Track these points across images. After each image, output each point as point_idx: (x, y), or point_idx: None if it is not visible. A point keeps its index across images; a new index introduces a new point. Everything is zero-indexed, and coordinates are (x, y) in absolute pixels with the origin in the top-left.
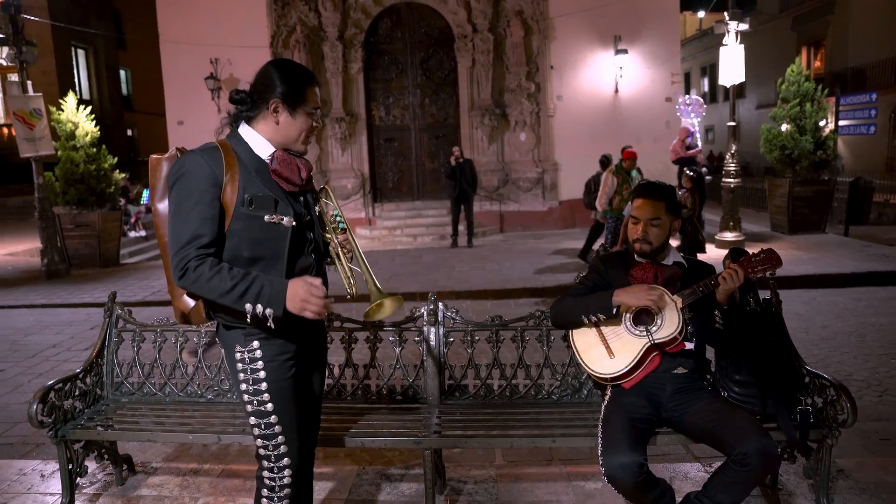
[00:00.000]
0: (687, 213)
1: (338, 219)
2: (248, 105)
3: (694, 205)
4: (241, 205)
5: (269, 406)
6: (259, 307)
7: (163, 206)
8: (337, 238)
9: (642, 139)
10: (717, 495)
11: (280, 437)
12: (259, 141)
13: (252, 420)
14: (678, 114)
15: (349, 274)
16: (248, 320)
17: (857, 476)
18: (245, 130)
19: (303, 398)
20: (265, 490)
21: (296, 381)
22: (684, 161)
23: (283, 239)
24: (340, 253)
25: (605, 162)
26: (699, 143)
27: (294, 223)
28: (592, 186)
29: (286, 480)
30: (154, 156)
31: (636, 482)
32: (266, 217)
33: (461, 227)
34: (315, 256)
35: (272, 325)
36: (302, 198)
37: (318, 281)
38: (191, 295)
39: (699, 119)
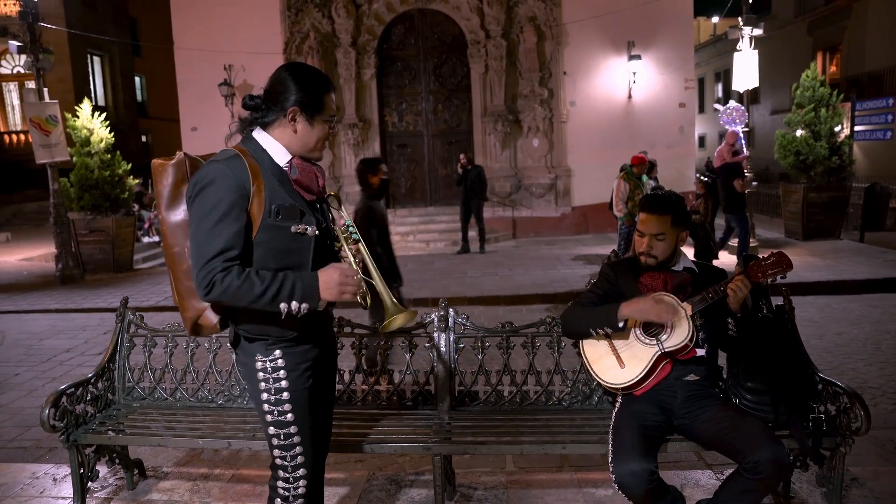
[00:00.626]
0: (699, 218)
1: (350, 229)
2: (262, 111)
3: (707, 210)
4: (268, 216)
5: (290, 416)
6: (294, 304)
7: (172, 214)
8: (349, 248)
9: (656, 145)
10: (728, 503)
11: (298, 447)
12: (277, 148)
13: (271, 430)
14: (721, 122)
15: (362, 286)
16: (282, 318)
17: (871, 485)
18: (262, 137)
19: (318, 407)
20: (279, 500)
21: (313, 391)
22: (730, 167)
23: (307, 249)
24: (353, 263)
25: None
26: (744, 150)
27: (317, 232)
28: None
29: (301, 490)
30: (157, 160)
31: (647, 489)
32: (293, 228)
33: (472, 234)
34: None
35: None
36: (319, 205)
37: (344, 264)
38: (216, 308)
39: (743, 126)
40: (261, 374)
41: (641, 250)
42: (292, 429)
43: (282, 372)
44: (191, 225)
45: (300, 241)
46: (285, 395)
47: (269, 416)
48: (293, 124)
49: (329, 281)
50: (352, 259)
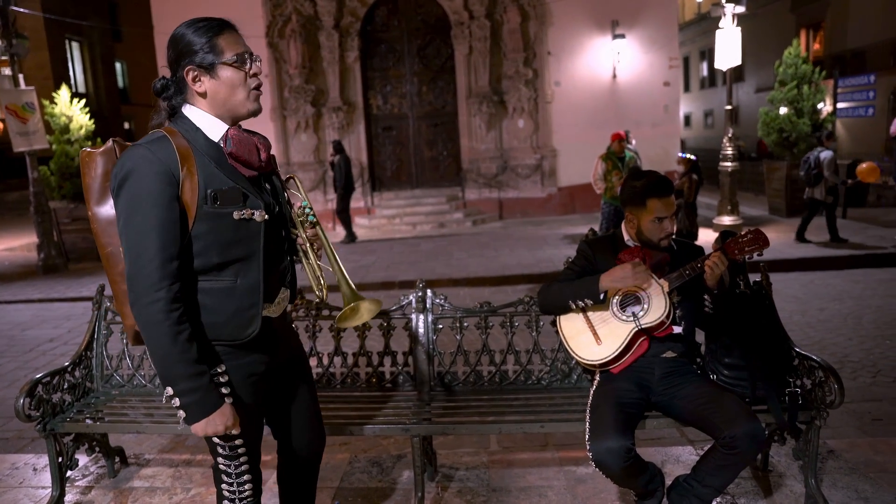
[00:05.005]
0: (681, 201)
1: (307, 211)
2: (172, 88)
3: (690, 191)
4: (203, 202)
5: (236, 430)
6: (176, 402)
7: (101, 209)
8: (306, 233)
9: (641, 124)
10: (706, 478)
11: (244, 457)
12: (209, 121)
13: (216, 440)
14: None
15: (319, 273)
16: (166, 395)
17: (847, 456)
18: (191, 111)
19: (279, 410)
20: (226, 502)
21: (268, 398)
22: None
23: (256, 237)
24: (309, 250)
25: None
26: None
27: (266, 217)
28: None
29: (247, 493)
30: (85, 150)
31: (623, 466)
32: (235, 214)
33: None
34: (290, 256)
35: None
36: (268, 185)
37: (227, 424)
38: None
39: None
40: None
41: (668, 232)
42: (237, 441)
43: (224, 388)
44: (118, 221)
45: (246, 228)
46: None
47: None
48: (197, 85)
49: (213, 424)
50: (309, 247)
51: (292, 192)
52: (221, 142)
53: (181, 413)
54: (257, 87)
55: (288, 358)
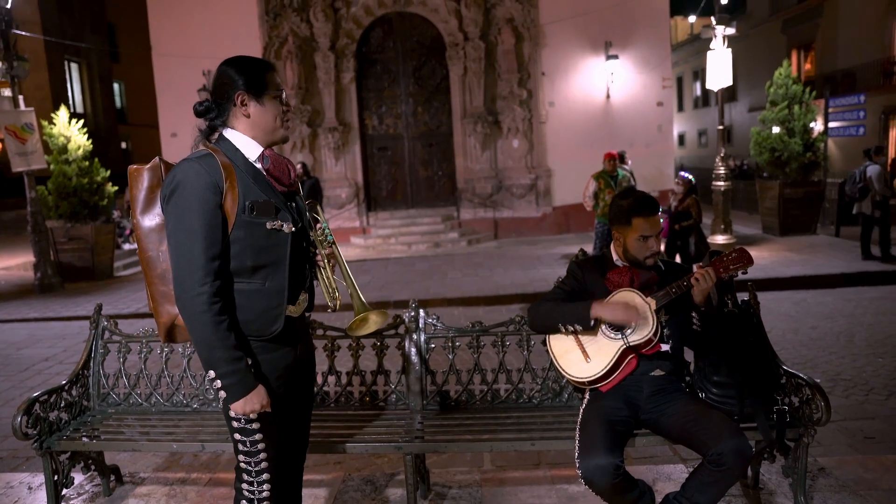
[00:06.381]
0: (692, 221)
1: (326, 231)
2: (215, 111)
3: (698, 212)
4: (241, 212)
5: (256, 425)
6: (218, 384)
7: (146, 219)
8: (324, 251)
9: (635, 144)
10: (695, 495)
11: (263, 454)
12: (247, 142)
13: (237, 436)
14: None
15: (333, 286)
16: (208, 377)
17: (837, 473)
18: (231, 134)
19: (291, 413)
20: (244, 502)
21: (285, 398)
22: None
23: (283, 246)
24: (326, 265)
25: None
26: None
27: (293, 229)
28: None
29: (265, 493)
30: (133, 166)
31: (613, 483)
32: (268, 224)
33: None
34: (309, 265)
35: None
36: (294, 204)
37: (262, 402)
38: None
39: None
40: None
41: (654, 251)
42: (257, 436)
43: None
44: (168, 224)
45: (276, 237)
46: None
47: (235, 422)
48: (245, 109)
49: (251, 402)
50: (325, 263)
51: (313, 216)
52: (258, 161)
53: (222, 394)
54: (286, 119)
55: (305, 352)
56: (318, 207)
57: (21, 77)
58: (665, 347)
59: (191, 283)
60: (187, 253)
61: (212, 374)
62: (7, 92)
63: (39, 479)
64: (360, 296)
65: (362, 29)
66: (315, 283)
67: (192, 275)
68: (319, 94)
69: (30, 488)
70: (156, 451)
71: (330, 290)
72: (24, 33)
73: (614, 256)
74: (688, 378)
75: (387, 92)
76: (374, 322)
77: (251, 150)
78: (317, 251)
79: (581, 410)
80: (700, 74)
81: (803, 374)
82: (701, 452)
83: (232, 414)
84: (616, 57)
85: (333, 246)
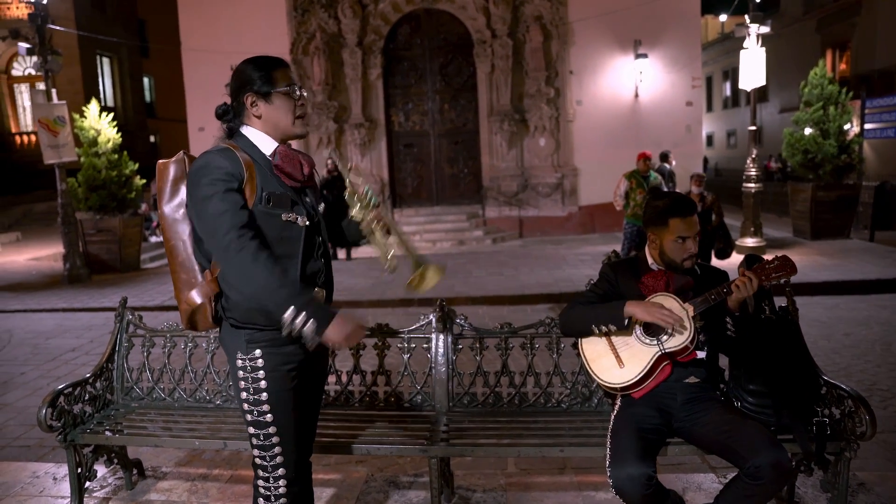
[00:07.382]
0: (717, 220)
1: (369, 194)
2: (231, 113)
3: (720, 210)
4: (259, 202)
5: (269, 417)
6: (302, 316)
7: (170, 209)
8: (369, 215)
9: (663, 144)
10: None
11: (277, 447)
12: (263, 139)
13: (251, 430)
14: None
15: (385, 249)
16: (282, 327)
17: (878, 490)
18: (248, 131)
19: (303, 408)
20: (261, 499)
21: (297, 392)
22: None
23: (297, 239)
24: (376, 228)
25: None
26: None
27: (307, 223)
28: None
29: (281, 490)
30: (161, 161)
31: (644, 494)
32: (283, 216)
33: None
34: (324, 261)
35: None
36: (308, 198)
37: (356, 323)
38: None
39: None
40: (241, 373)
41: (691, 253)
42: (271, 429)
43: (261, 372)
44: (195, 205)
45: (291, 229)
46: (264, 395)
47: (248, 415)
48: (255, 109)
49: (343, 323)
50: (375, 226)
51: (355, 180)
52: (270, 156)
53: (310, 327)
54: (303, 114)
55: (318, 348)
56: (360, 171)
57: (55, 71)
58: (701, 355)
59: (229, 243)
60: (219, 223)
61: (287, 315)
62: (41, 85)
63: (64, 469)
64: (416, 252)
65: (390, 25)
66: (369, 246)
67: (228, 237)
68: (346, 90)
69: (55, 479)
70: (177, 447)
71: (385, 253)
72: (58, 28)
73: (649, 259)
74: (722, 386)
75: (413, 89)
76: (431, 277)
77: (266, 145)
78: (363, 217)
79: (612, 417)
80: (730, 74)
81: (845, 385)
82: (737, 464)
83: (245, 406)
84: (645, 56)
85: (380, 207)
